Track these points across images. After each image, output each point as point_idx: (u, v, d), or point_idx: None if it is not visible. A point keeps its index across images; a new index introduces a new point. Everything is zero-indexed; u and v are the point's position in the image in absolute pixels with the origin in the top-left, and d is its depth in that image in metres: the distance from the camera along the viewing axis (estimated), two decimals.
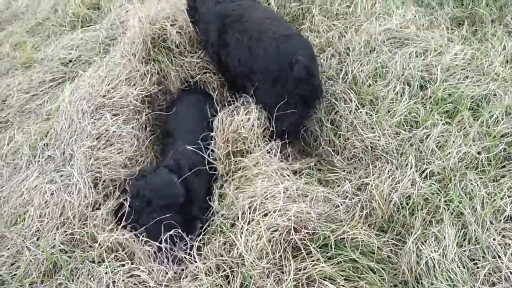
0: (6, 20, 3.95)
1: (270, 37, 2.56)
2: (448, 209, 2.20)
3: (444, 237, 2.06)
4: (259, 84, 2.61)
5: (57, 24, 3.72)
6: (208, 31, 2.88)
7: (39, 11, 3.89)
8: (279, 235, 2.09)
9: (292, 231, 2.09)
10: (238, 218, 2.18)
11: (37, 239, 2.28)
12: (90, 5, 3.77)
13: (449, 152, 2.37)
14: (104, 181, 2.45)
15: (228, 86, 3.05)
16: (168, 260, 2.19)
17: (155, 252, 2.21)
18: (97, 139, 2.51)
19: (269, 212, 2.15)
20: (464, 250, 2.04)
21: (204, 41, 3.02)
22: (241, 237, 2.09)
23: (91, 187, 2.37)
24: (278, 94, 2.54)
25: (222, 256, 2.10)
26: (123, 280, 2.04)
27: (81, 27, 3.65)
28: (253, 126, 2.53)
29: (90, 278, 2.10)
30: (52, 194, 2.40)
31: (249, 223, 2.13)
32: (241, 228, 2.12)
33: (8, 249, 2.31)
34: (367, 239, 2.12)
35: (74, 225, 2.27)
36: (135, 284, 2.04)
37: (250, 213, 2.16)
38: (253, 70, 2.62)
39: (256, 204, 2.18)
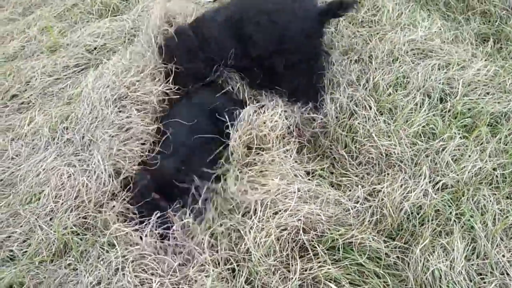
0: (36, 4, 4.02)
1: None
2: (459, 222, 2.19)
3: (453, 249, 2.06)
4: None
5: (85, 11, 3.78)
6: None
7: None
8: (288, 234, 2.11)
9: (301, 231, 2.11)
10: (248, 213, 2.20)
11: (50, 219, 2.33)
12: None
13: (464, 166, 2.36)
14: (123, 173, 2.48)
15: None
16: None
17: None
18: (118, 129, 2.55)
19: (280, 210, 2.17)
20: (472, 264, 2.04)
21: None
22: (250, 232, 2.11)
23: (111, 175, 2.40)
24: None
25: (230, 250, 2.12)
26: (132, 266, 2.06)
27: (108, 16, 3.70)
28: (276, 125, 2.54)
29: (99, 261, 2.13)
30: (69, 176, 2.44)
31: (259, 219, 2.15)
32: (251, 224, 2.14)
33: (21, 226, 2.36)
34: (375, 244, 2.13)
35: (88, 209, 2.31)
36: (143, 270, 2.06)
37: (261, 210, 2.18)
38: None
39: (268, 202, 2.19)
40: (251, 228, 2.11)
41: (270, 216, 2.15)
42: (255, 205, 2.20)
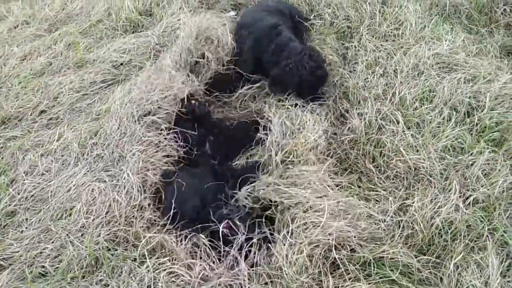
0: (61, 21, 4.08)
1: None
2: (492, 237, 2.17)
3: (487, 265, 2.04)
4: None
5: (110, 27, 3.83)
6: None
7: (93, 13, 4.01)
8: (320, 252, 2.11)
9: (333, 248, 2.10)
10: (280, 230, 2.20)
11: (82, 235, 2.35)
12: (143, 11, 3.88)
13: (495, 181, 2.35)
14: (151, 185, 2.51)
15: None
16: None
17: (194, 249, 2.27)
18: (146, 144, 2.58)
19: (311, 227, 2.17)
20: (508, 281, 2.02)
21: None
22: (281, 249, 2.11)
23: (140, 189, 2.43)
24: None
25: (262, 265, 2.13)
26: (164, 280, 2.08)
27: (133, 32, 3.75)
28: (308, 138, 2.57)
29: (131, 277, 2.15)
30: (100, 192, 2.47)
31: (291, 235, 2.15)
32: (283, 241, 2.14)
33: (53, 242, 2.38)
34: (406, 259, 2.12)
35: (119, 224, 2.33)
36: (176, 284, 2.08)
37: (292, 225, 2.18)
38: None
39: (299, 217, 2.20)
40: (283, 244, 2.11)
41: (302, 231, 2.15)
42: (286, 220, 2.20)
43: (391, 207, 2.33)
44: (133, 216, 2.37)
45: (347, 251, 2.14)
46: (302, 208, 2.25)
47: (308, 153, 2.55)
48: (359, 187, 2.57)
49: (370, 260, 2.11)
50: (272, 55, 3.05)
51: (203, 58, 3.15)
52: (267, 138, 2.66)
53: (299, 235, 2.14)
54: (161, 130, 2.70)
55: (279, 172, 2.45)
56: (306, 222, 2.18)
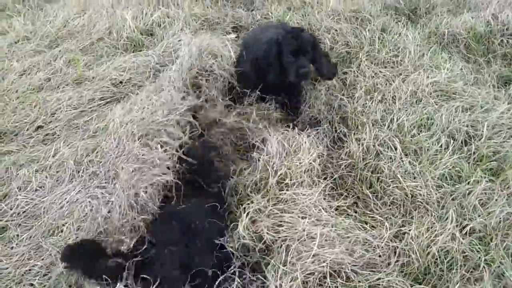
0: (62, 37, 4.10)
1: None
2: (489, 268, 2.14)
3: None
4: None
5: (111, 45, 3.85)
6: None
7: (94, 31, 4.03)
8: (314, 279, 2.07)
9: (328, 276, 2.07)
10: (272, 258, 2.17)
11: None
12: (144, 31, 3.90)
13: (492, 211, 2.33)
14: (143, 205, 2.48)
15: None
16: None
17: None
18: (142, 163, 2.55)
19: (305, 256, 2.14)
20: None
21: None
22: (275, 279, 2.07)
23: (134, 207, 2.40)
24: None
25: None
26: None
27: (134, 51, 3.77)
28: (302, 162, 2.56)
29: None
30: (91, 209, 2.45)
31: (284, 264, 2.11)
32: (276, 268, 2.10)
33: (43, 259, 2.35)
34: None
35: (110, 242, 2.30)
36: None
37: (285, 255, 2.14)
38: None
39: (292, 246, 2.16)
40: (276, 272, 2.08)
41: (295, 260, 2.11)
42: (279, 248, 2.17)
43: (387, 233, 2.31)
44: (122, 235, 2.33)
45: (343, 279, 2.10)
46: (297, 236, 2.21)
47: (302, 175, 2.53)
48: (355, 212, 2.54)
49: (365, 286, 2.08)
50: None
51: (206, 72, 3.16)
52: (258, 159, 2.64)
53: (293, 265, 2.10)
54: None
55: (272, 194, 2.43)
56: (301, 251, 2.15)
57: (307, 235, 2.21)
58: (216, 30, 3.97)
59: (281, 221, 2.30)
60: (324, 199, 2.47)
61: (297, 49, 2.89)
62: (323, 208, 2.38)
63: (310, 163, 2.58)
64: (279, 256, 2.14)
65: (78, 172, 2.68)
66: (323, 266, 2.07)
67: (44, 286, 2.24)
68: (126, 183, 2.45)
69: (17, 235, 2.46)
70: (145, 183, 2.47)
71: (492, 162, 2.59)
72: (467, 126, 2.77)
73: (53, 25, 4.25)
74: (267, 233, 2.23)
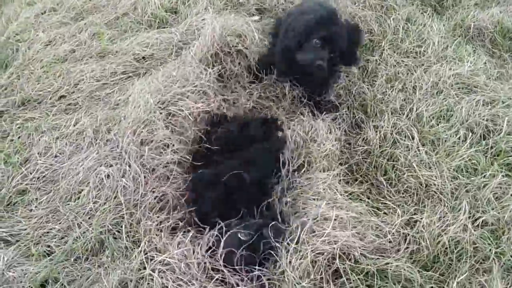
0: (88, 11, 4.12)
1: None
2: (499, 261, 2.15)
3: None
4: None
5: (135, 21, 3.87)
6: None
7: (120, 6, 4.04)
8: (323, 260, 2.10)
9: (337, 257, 2.10)
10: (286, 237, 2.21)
11: (89, 218, 2.39)
12: (168, 8, 3.91)
13: (506, 205, 2.33)
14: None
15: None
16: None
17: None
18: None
19: (317, 235, 2.17)
20: None
21: None
22: (286, 255, 2.11)
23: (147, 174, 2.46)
24: None
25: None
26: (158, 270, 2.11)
27: (157, 27, 3.78)
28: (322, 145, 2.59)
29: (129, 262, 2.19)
30: (108, 177, 2.50)
31: (296, 242, 2.15)
32: (287, 247, 2.14)
33: (60, 223, 2.42)
34: (409, 274, 2.10)
35: (127, 209, 2.37)
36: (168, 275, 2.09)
37: (299, 233, 2.18)
38: None
39: (306, 226, 2.20)
40: (287, 250, 2.11)
41: (307, 239, 2.15)
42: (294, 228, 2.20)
43: (399, 220, 2.32)
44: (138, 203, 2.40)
45: (351, 262, 2.13)
46: (311, 220, 2.25)
47: (321, 160, 2.55)
48: (368, 198, 2.56)
49: (373, 271, 2.10)
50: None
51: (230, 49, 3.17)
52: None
53: (303, 243, 2.14)
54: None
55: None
56: (312, 232, 2.18)
57: (321, 216, 2.24)
58: (239, 12, 3.97)
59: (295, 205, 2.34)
60: (339, 182, 2.49)
61: (326, 37, 2.71)
62: (337, 191, 2.40)
63: (329, 148, 2.60)
64: (293, 234, 2.19)
65: (96, 140, 2.73)
66: (333, 248, 2.10)
67: (61, 248, 2.30)
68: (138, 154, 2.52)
69: (36, 199, 2.53)
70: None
71: (510, 158, 2.58)
72: (486, 120, 2.75)
73: None
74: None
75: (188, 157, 2.66)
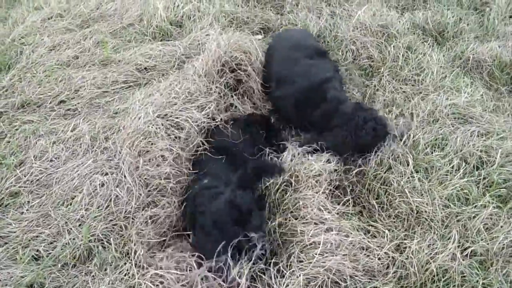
0: (94, 19, 4.18)
1: None
2: None
3: None
4: None
5: (140, 32, 3.92)
6: None
7: (126, 17, 4.10)
8: (315, 286, 2.12)
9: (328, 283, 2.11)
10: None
11: (79, 225, 2.38)
12: (173, 22, 3.96)
13: (496, 236, 2.34)
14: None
15: None
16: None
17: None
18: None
19: (307, 262, 2.19)
20: None
21: None
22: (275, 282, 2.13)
23: (141, 187, 2.46)
24: None
25: None
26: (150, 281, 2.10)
27: (161, 40, 3.84)
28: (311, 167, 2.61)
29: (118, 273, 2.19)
30: (102, 185, 2.50)
31: (287, 266, 2.16)
32: (277, 274, 2.16)
33: (50, 228, 2.42)
34: None
35: (118, 220, 2.36)
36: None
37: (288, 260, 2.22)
38: None
39: (295, 252, 2.24)
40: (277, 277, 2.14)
41: (297, 266, 2.17)
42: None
43: (388, 242, 2.33)
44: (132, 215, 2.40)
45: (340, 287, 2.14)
46: (301, 244, 2.28)
47: (311, 180, 2.57)
48: (359, 219, 2.57)
49: None
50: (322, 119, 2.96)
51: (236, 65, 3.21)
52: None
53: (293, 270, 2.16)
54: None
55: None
56: (302, 258, 2.22)
57: (309, 243, 2.26)
58: (243, 30, 4.02)
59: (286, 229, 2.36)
60: (331, 202, 2.51)
61: None
62: (326, 209, 2.42)
63: (321, 170, 2.63)
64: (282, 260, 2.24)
65: (93, 147, 2.75)
66: (324, 274, 2.12)
67: (49, 253, 2.31)
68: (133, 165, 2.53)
69: (28, 202, 2.54)
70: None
71: (502, 189, 2.59)
72: (480, 151, 2.77)
73: (87, 5, 4.34)
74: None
75: (185, 169, 2.67)
